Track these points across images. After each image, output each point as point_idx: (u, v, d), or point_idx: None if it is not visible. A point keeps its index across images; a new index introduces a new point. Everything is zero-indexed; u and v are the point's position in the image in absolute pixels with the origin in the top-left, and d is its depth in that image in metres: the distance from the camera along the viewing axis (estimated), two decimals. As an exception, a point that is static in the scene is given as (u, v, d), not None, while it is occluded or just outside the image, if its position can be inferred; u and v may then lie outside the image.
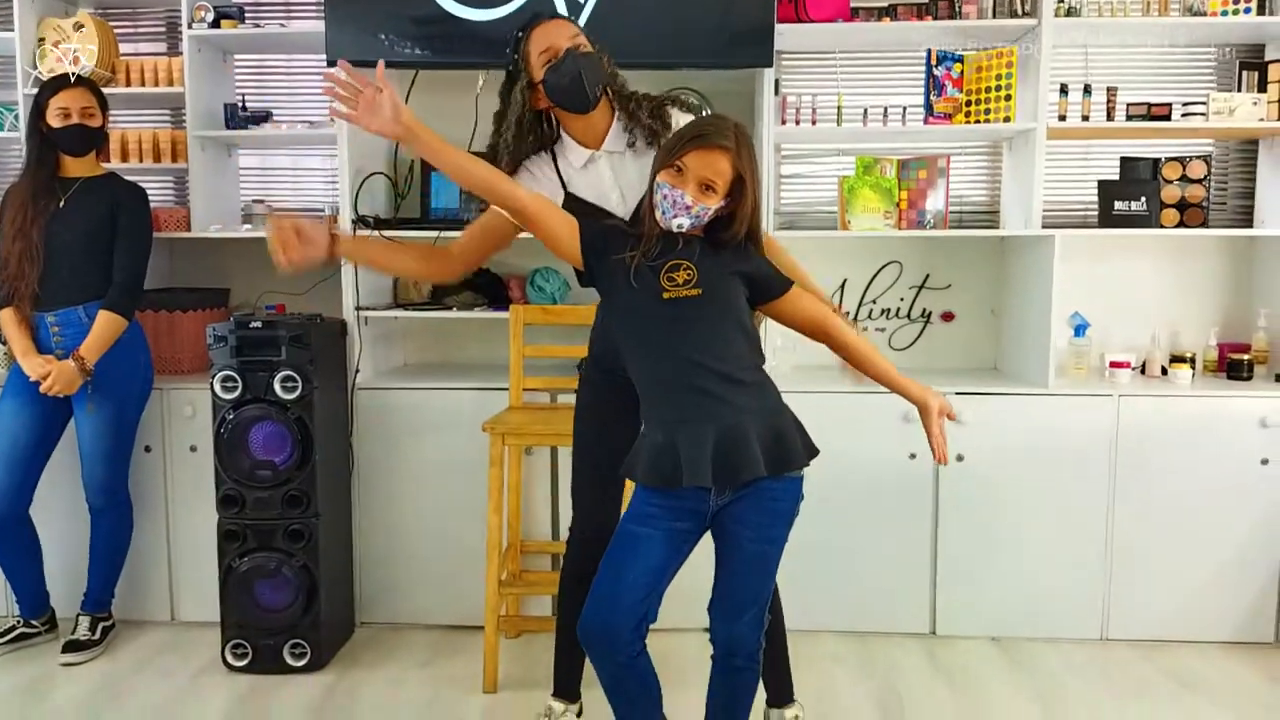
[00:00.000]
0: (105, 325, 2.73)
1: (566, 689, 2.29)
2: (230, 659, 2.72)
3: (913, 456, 2.91)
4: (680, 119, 2.10)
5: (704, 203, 1.78)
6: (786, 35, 2.99)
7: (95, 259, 2.78)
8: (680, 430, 1.78)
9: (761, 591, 1.86)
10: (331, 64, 2.88)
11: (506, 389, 2.87)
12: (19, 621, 2.91)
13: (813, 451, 1.86)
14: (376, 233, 2.87)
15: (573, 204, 2.09)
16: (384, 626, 3.04)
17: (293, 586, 2.70)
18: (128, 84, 3.15)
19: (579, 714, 2.30)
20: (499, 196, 1.85)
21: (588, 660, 2.21)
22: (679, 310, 1.79)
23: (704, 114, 2.23)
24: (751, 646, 1.87)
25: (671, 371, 1.80)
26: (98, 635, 2.87)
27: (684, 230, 1.81)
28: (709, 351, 1.79)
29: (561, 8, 2.77)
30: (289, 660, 2.70)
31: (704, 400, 1.77)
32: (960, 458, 2.90)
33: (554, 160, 2.13)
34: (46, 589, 2.95)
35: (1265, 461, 2.87)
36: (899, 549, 2.95)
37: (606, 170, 2.10)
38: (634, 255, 1.82)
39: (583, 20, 2.77)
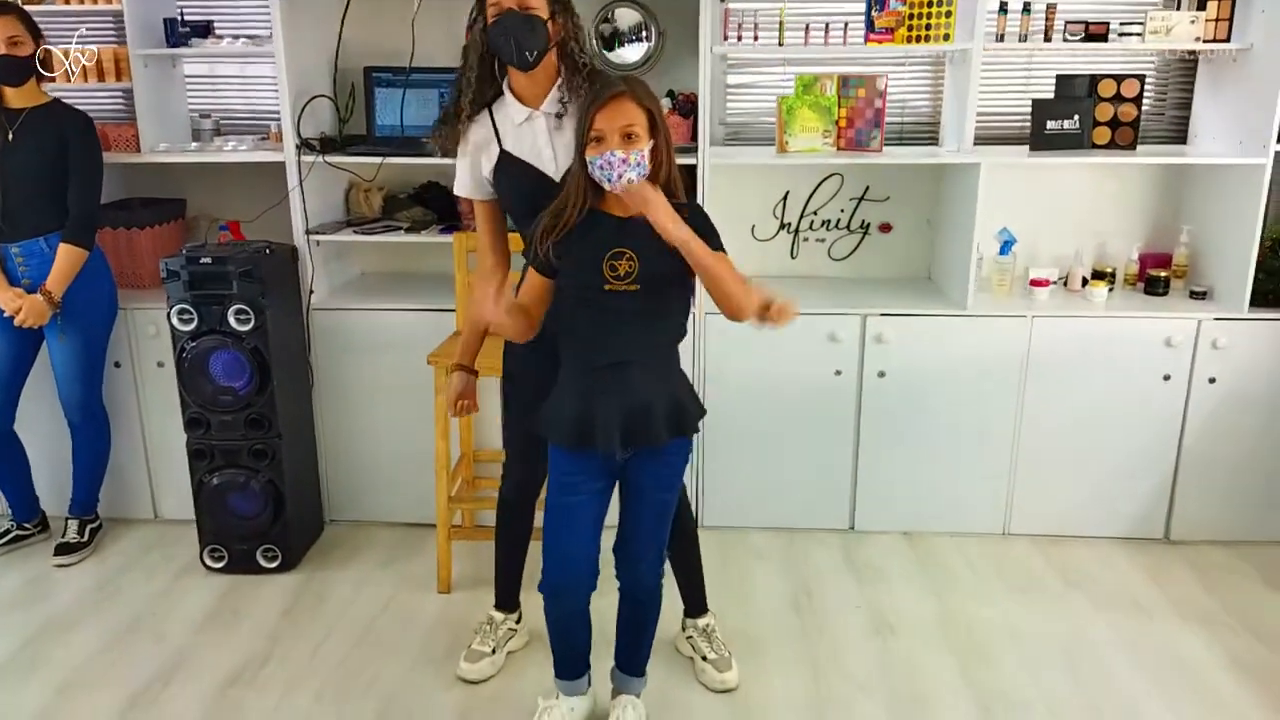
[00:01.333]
0: (66, 258, 2.85)
1: (506, 600, 2.56)
2: (208, 561, 2.99)
3: (838, 373, 3.11)
4: None
5: (635, 148, 1.84)
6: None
7: (51, 189, 2.86)
8: (595, 401, 1.95)
9: (661, 535, 2.10)
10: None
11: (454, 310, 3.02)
12: (13, 525, 3.17)
13: (701, 413, 2.06)
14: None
15: (507, 162, 2.17)
16: (350, 524, 3.31)
17: (260, 499, 2.94)
18: (66, 1, 3.11)
19: (518, 621, 2.59)
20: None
21: (524, 571, 2.50)
22: (615, 302, 1.91)
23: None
24: (652, 583, 2.12)
25: (596, 352, 1.95)
26: (86, 537, 3.13)
27: (633, 184, 1.83)
28: (634, 340, 1.94)
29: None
30: (261, 562, 2.98)
31: (620, 377, 1.94)
32: (881, 374, 3.10)
33: (491, 117, 2.19)
34: (36, 494, 3.20)
35: (1167, 377, 3.06)
36: (823, 455, 3.18)
37: (543, 129, 2.15)
38: (566, 220, 1.90)
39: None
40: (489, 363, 2.43)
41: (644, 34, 3.22)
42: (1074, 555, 3.11)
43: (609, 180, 1.86)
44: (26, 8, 2.97)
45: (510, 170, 2.18)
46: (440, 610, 2.79)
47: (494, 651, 2.49)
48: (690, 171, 2.92)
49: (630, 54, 3.23)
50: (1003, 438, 3.14)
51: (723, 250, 1.95)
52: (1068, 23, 3.06)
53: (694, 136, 3.08)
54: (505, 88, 2.18)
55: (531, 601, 2.37)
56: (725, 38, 3.11)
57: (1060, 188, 3.36)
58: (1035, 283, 3.18)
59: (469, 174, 2.25)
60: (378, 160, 3.07)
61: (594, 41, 3.24)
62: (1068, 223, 3.38)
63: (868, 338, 3.07)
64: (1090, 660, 2.58)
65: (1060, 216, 3.38)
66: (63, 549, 3.08)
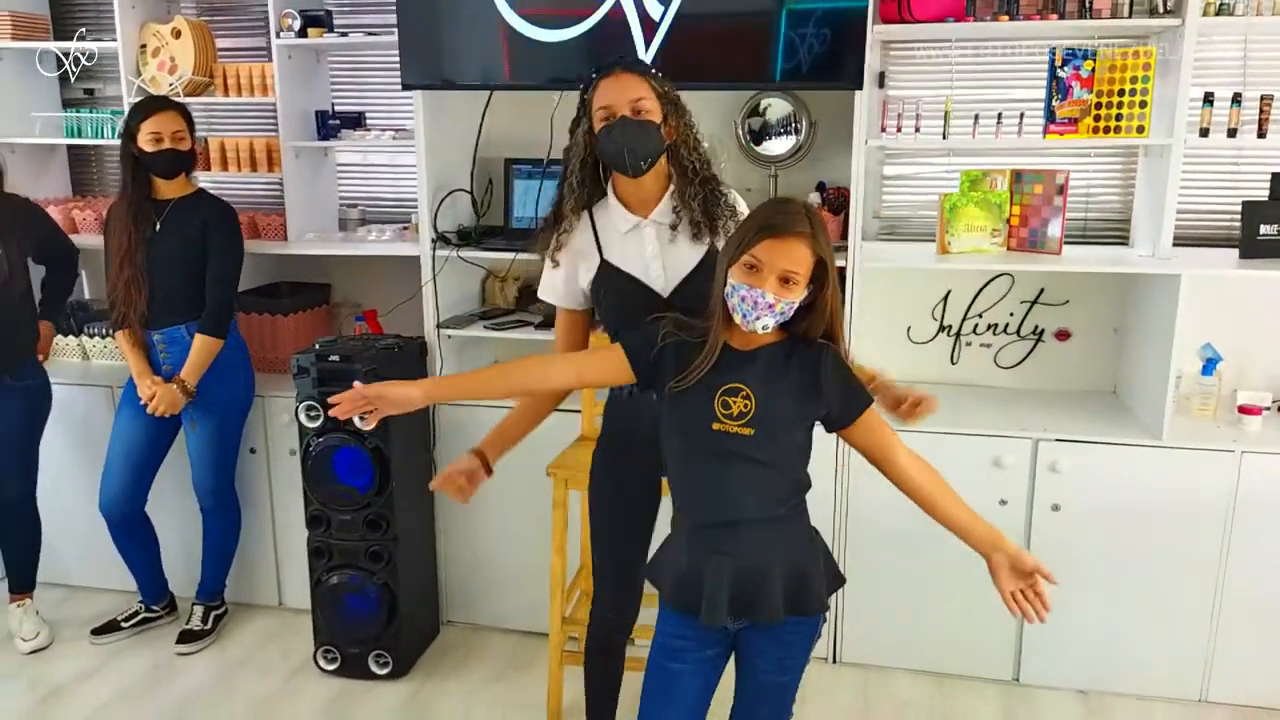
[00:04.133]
0: (201, 347, 2.87)
1: None
2: (321, 662, 2.91)
3: (1003, 503, 2.75)
4: (741, 205, 2.00)
5: (787, 298, 1.64)
6: (894, 29, 2.74)
7: (192, 278, 2.90)
8: (706, 561, 1.71)
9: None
10: (407, 87, 2.85)
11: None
12: (141, 606, 3.19)
13: (836, 585, 1.79)
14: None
15: (608, 273, 2.02)
16: (467, 627, 3.17)
17: (374, 602, 2.84)
18: (225, 92, 3.20)
19: None
20: (539, 386, 1.93)
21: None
22: (726, 444, 1.68)
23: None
24: None
25: (706, 500, 1.72)
26: (210, 625, 3.12)
27: (767, 331, 1.67)
28: (747, 492, 1.70)
29: (635, 28, 2.60)
30: (373, 668, 2.87)
31: (730, 536, 1.70)
32: (1056, 507, 2.72)
33: (593, 222, 2.04)
34: (165, 577, 3.22)
35: None
36: (985, 592, 2.80)
37: (652, 240, 2.00)
38: (696, 370, 1.69)
39: (656, 41, 2.60)
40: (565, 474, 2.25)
41: (794, 126, 3.01)
42: (1290, 735, 2.62)
43: (744, 317, 1.65)
44: (187, 101, 3.07)
45: (612, 282, 2.02)
46: (553, 740, 2.60)
47: None
48: (840, 273, 2.67)
49: (777, 146, 3.03)
50: (1203, 588, 2.69)
51: (868, 395, 1.72)
52: (1289, 113, 2.66)
53: (844, 234, 2.84)
54: (610, 192, 2.03)
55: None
56: (883, 129, 2.87)
57: (1273, 302, 2.91)
58: (1244, 409, 2.74)
59: (561, 280, 2.08)
60: (510, 255, 2.97)
61: (741, 133, 3.06)
62: (1282, 341, 2.93)
63: (1040, 465, 2.71)
64: None
65: (1276, 333, 2.92)
66: (186, 636, 3.08)
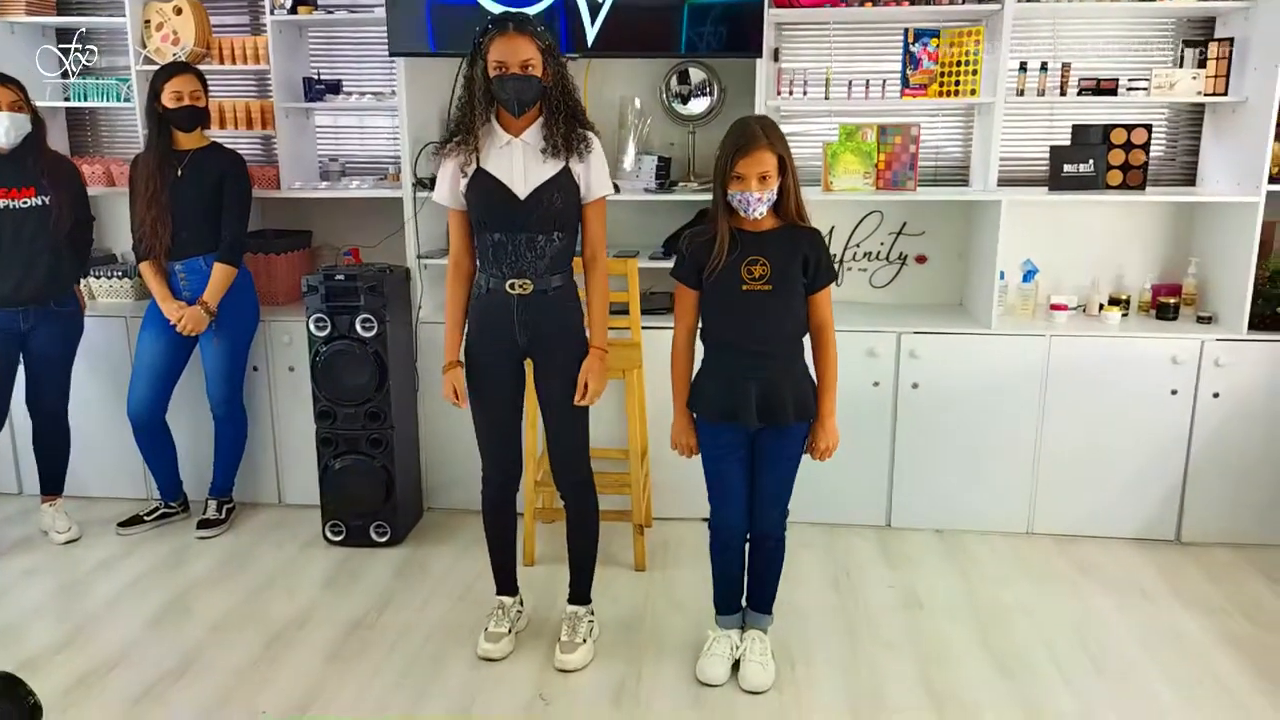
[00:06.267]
0: (221, 275, 3.41)
1: (508, 586, 2.89)
2: (329, 535, 3.50)
3: (876, 384, 3.52)
4: (598, 146, 2.59)
5: (769, 189, 2.37)
6: (784, 13, 3.47)
7: (210, 218, 3.43)
8: (736, 384, 2.46)
9: (784, 494, 2.62)
10: (394, 54, 3.44)
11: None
12: (160, 503, 3.71)
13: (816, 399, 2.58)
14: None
15: (481, 178, 2.51)
16: (445, 511, 3.79)
17: (375, 481, 3.43)
18: (220, 61, 3.73)
19: (521, 603, 2.93)
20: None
21: (518, 563, 2.95)
22: (751, 300, 2.43)
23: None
24: (779, 532, 2.64)
25: (737, 340, 2.47)
26: (223, 515, 3.67)
27: (763, 216, 2.40)
28: (767, 331, 2.45)
29: (584, 12, 3.26)
30: (374, 537, 3.47)
31: (755, 362, 2.46)
32: (915, 385, 3.51)
33: (475, 139, 2.51)
34: (180, 478, 3.74)
35: (1174, 392, 3.42)
36: (863, 458, 3.58)
37: (519, 156, 2.51)
38: (717, 260, 2.42)
39: (599, 21, 3.27)
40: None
41: (708, 90, 3.72)
42: (1090, 552, 3.46)
43: (745, 211, 2.39)
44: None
45: (484, 185, 2.51)
46: (527, 579, 3.22)
47: (510, 631, 2.82)
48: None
49: (697, 106, 3.74)
50: (1025, 445, 3.51)
51: (834, 273, 2.52)
52: (1081, 79, 3.49)
53: (751, 177, 3.56)
54: (492, 116, 2.53)
55: (525, 583, 2.94)
56: (779, 93, 3.60)
57: (1080, 225, 3.76)
58: (1055, 307, 3.57)
59: (448, 186, 2.57)
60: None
61: (666, 97, 3.75)
62: (1087, 256, 3.78)
63: (903, 353, 3.49)
64: (1096, 632, 2.93)
65: (1080, 252, 3.78)
66: (204, 524, 3.61)
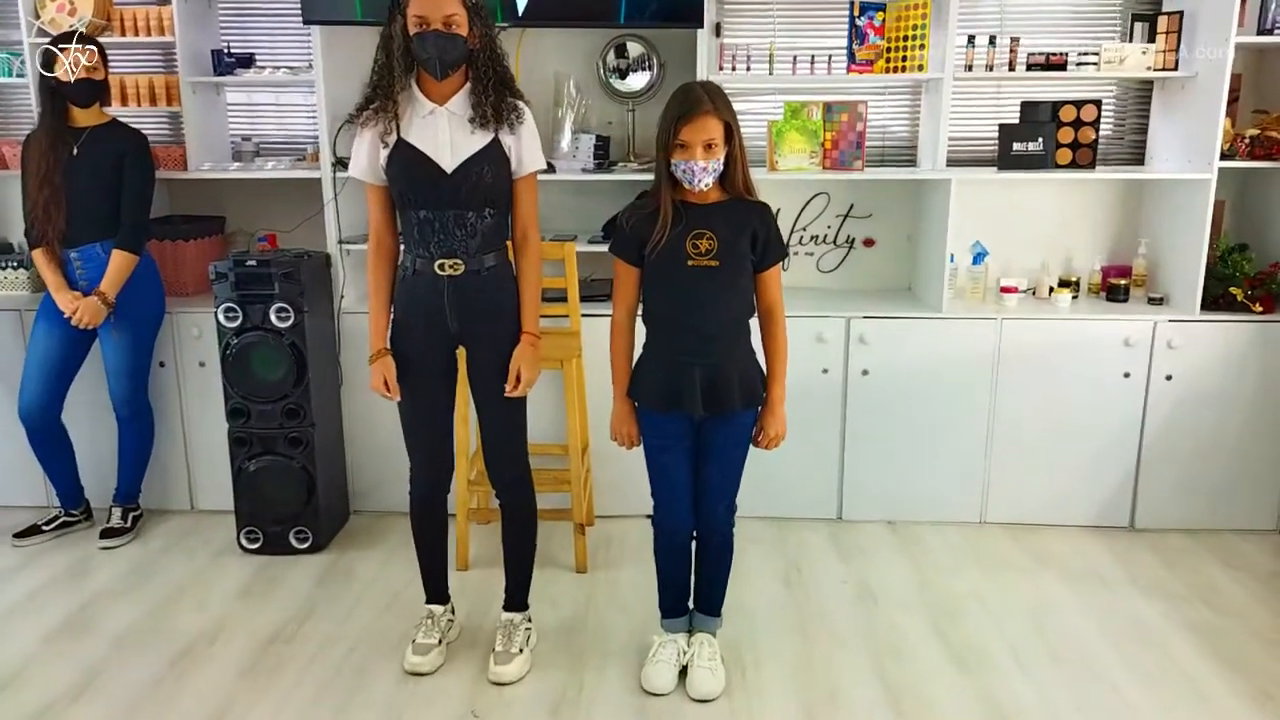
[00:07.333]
0: (120, 263, 3.14)
1: (438, 595, 2.68)
2: (244, 543, 3.25)
3: (825, 371, 3.38)
4: (530, 117, 2.38)
5: (714, 158, 2.19)
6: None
7: (108, 200, 3.15)
8: (681, 369, 2.27)
9: (731, 487, 2.43)
10: (308, 22, 3.20)
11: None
12: (60, 512, 3.42)
13: (765, 388, 2.39)
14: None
15: (403, 150, 2.30)
16: (373, 514, 3.56)
17: (294, 483, 3.19)
18: (123, 33, 3.45)
19: (452, 611, 2.72)
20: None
21: (449, 569, 2.73)
22: (697, 276, 2.24)
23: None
24: (726, 528, 2.46)
25: (681, 318, 2.27)
26: (129, 523, 3.39)
27: (709, 188, 2.22)
28: (713, 309, 2.26)
29: (513, -26, 3.06)
30: (294, 543, 3.23)
31: (700, 345, 2.27)
32: (865, 372, 3.37)
33: (395, 107, 2.30)
34: (81, 484, 3.45)
35: (1127, 375, 3.34)
36: (812, 448, 3.44)
37: (445, 125, 2.30)
38: (660, 234, 2.23)
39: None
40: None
41: (647, 64, 3.54)
42: (1044, 540, 3.36)
43: (690, 182, 2.21)
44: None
45: (405, 157, 2.30)
46: (459, 585, 3.01)
47: (441, 642, 2.61)
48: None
49: (636, 82, 3.56)
50: (977, 432, 3.40)
51: (784, 249, 2.34)
52: (1030, 54, 3.38)
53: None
54: (412, 82, 2.33)
55: (458, 590, 2.76)
56: (720, 68, 3.44)
57: (1029, 206, 3.67)
58: (1005, 290, 3.47)
59: (366, 158, 2.35)
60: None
61: (603, 72, 3.56)
62: (1036, 238, 3.68)
63: (852, 339, 3.35)
64: (1053, 621, 2.83)
65: (1029, 232, 3.68)
66: (108, 533, 3.33)
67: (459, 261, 2.36)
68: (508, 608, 2.65)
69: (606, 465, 3.37)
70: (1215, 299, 3.34)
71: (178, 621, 2.84)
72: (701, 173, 2.19)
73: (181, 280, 3.58)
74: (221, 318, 3.10)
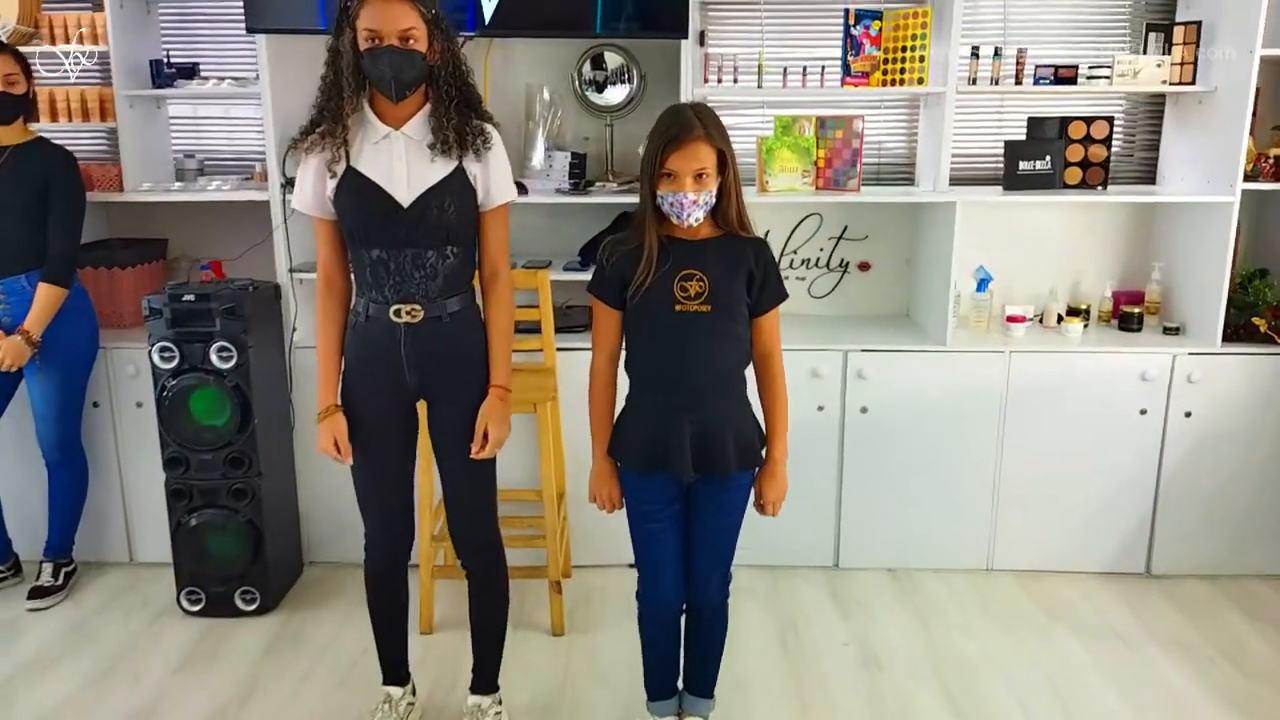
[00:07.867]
0: (46, 297, 2.83)
1: (397, 675, 2.39)
2: (185, 604, 2.95)
3: (820, 409, 3.12)
4: (498, 141, 2.11)
5: (706, 190, 1.93)
6: (710, -9, 3.05)
7: (32, 228, 2.85)
8: (668, 424, 2.00)
9: (726, 555, 2.15)
10: (252, 31, 2.90)
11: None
12: (-16, 568, 3.11)
13: (764, 446, 2.11)
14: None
15: (353, 180, 2.03)
16: (330, 566, 3.27)
17: (239, 539, 2.90)
18: (52, 41, 3.14)
19: (413, 693, 2.43)
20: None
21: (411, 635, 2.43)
22: (686, 323, 1.97)
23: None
24: (718, 601, 2.18)
25: (668, 369, 2.00)
26: (60, 580, 3.08)
27: (699, 222, 1.95)
28: (704, 358, 1.99)
29: (480, -21, 2.79)
30: (240, 605, 2.93)
31: (690, 399, 2.00)
32: (864, 409, 3.12)
33: (345, 131, 2.03)
34: (8, 537, 3.14)
35: (1144, 412, 3.11)
36: (807, 491, 3.18)
37: (401, 152, 2.04)
38: (644, 274, 1.96)
39: (499, -5, 2.80)
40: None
41: (626, 76, 3.27)
42: (1056, 590, 3.12)
43: (678, 217, 1.94)
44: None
45: (355, 189, 2.03)
46: (423, 651, 2.75)
47: None
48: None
49: (614, 95, 3.28)
50: (984, 473, 3.16)
51: (783, 291, 2.07)
52: (1038, 66, 3.15)
53: (676, 176, 3.13)
54: (364, 103, 2.05)
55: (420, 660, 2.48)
56: (706, 79, 3.18)
57: (1034, 227, 3.43)
58: (1012, 319, 3.23)
59: (311, 190, 2.08)
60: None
61: (579, 85, 3.29)
62: (1043, 261, 3.45)
63: (849, 374, 3.10)
64: (1076, 690, 2.59)
65: (1035, 255, 3.44)
66: (37, 592, 3.02)
67: (417, 307, 2.08)
68: (475, 690, 2.37)
69: (585, 510, 3.08)
70: (1236, 329, 3.12)
71: (111, 700, 2.54)
72: (691, 206, 1.93)
73: (118, 311, 3.28)
74: (156, 358, 2.80)
